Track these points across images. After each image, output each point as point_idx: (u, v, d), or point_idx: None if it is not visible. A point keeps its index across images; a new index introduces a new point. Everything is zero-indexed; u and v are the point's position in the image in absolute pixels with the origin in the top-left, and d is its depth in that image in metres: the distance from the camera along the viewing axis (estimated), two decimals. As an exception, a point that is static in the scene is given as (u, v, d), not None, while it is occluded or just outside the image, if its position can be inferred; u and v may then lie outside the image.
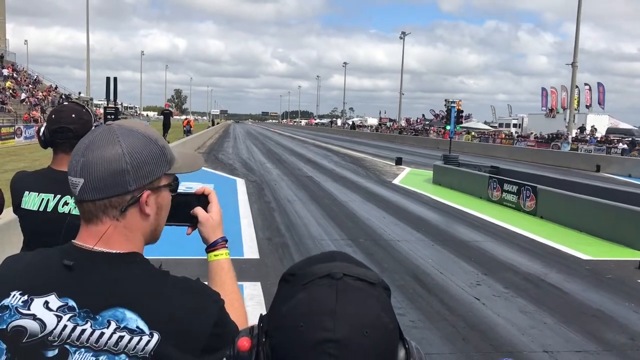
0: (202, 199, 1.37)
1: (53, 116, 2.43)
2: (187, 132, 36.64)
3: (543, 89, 59.14)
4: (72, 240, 1.10)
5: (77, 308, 1.02)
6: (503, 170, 17.17)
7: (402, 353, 0.76)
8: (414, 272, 7.40)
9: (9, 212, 3.24)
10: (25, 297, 1.03)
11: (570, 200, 11.59)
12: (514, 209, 13.26)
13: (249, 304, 5.82)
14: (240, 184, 16.26)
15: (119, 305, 1.02)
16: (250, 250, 8.34)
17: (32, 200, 2.29)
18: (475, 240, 9.61)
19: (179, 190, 1.28)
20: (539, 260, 8.42)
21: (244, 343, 0.79)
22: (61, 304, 1.02)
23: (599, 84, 53.32)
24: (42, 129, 2.43)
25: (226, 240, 1.38)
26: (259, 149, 36.55)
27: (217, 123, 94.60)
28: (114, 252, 1.07)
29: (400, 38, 77.35)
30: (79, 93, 63.92)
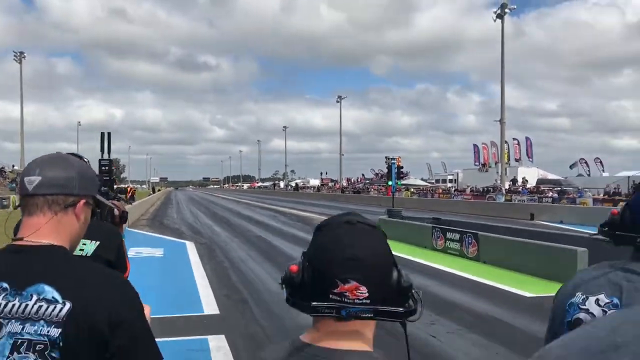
0: None
1: None
2: (131, 200, 36.13)
3: (475, 145, 62.10)
4: (12, 240, 1.42)
5: (8, 288, 1.31)
6: (444, 221, 17.91)
7: (395, 274, 1.13)
8: (371, 317, 7.69)
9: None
10: None
11: (510, 245, 12.32)
12: (458, 256, 13.87)
13: (216, 355, 5.95)
14: (190, 247, 16.23)
15: (40, 282, 1.30)
16: (210, 307, 8.42)
17: None
18: (425, 285, 10.03)
19: None
20: (486, 300, 8.91)
21: (293, 267, 1.15)
22: None
23: (527, 139, 56.66)
24: None
25: None
26: (203, 213, 36.34)
27: (158, 190, 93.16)
28: (44, 242, 1.37)
29: (337, 102, 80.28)
30: (13, 165, 61.99)
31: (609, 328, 0.61)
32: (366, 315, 1.09)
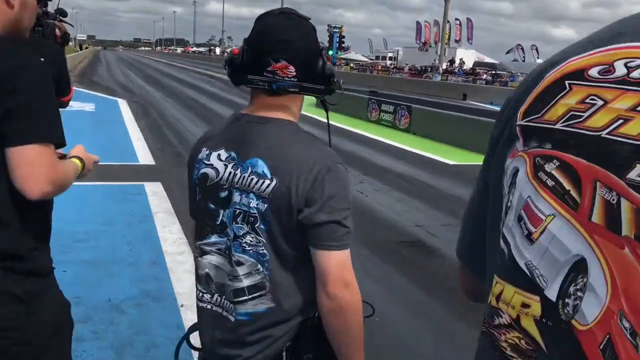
0: None
1: None
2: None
3: (417, 23, 61.48)
4: None
5: None
6: (381, 95, 18.21)
7: (321, 62, 1.31)
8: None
9: None
10: None
11: (440, 117, 12.82)
12: (390, 127, 14.33)
13: (153, 198, 6.14)
14: (123, 104, 15.82)
15: None
16: (145, 158, 8.51)
17: None
18: (356, 151, 10.46)
19: None
20: (412, 165, 9.45)
21: (235, 50, 1.32)
22: None
23: (468, 20, 56.56)
24: None
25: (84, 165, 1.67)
26: (135, 74, 35.00)
27: (86, 48, 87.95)
28: None
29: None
30: None
31: (615, 24, 0.72)
32: (293, 89, 1.29)
